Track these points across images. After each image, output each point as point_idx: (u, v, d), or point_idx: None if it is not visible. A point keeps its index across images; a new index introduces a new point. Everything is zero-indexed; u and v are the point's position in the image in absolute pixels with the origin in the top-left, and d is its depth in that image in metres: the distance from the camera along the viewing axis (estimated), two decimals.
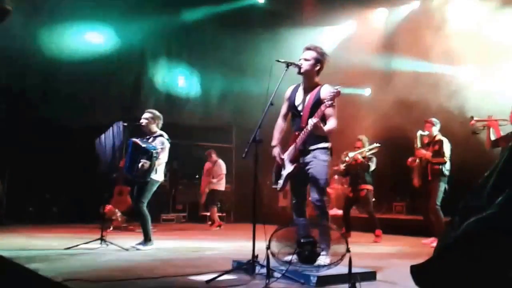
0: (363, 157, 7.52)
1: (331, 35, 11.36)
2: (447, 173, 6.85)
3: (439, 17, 9.57)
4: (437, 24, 9.47)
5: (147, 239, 5.83)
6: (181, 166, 11.96)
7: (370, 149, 7.60)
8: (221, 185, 9.99)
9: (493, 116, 6.20)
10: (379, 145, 7.63)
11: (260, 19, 11.32)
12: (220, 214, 11.52)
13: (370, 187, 7.57)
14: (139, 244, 5.80)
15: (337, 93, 4.03)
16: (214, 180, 9.88)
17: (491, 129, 6.06)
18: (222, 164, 10.04)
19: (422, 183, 7.02)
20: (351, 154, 7.60)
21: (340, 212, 9.67)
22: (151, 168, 5.79)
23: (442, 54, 9.12)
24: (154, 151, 5.83)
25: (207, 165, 10.20)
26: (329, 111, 4.14)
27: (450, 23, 9.31)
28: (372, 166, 7.58)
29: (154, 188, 5.97)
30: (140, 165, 5.75)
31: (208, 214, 10.47)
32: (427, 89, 9.26)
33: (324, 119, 4.18)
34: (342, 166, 7.87)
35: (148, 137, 6.12)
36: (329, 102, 4.00)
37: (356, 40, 11.15)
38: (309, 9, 11.22)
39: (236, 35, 10.91)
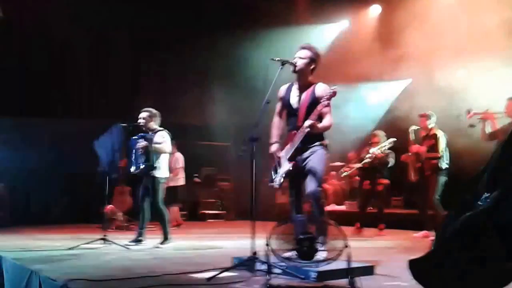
0: (382, 152, 7.53)
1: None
2: (445, 165, 6.89)
3: None
4: None
5: (166, 238, 6.02)
6: None
7: (389, 144, 7.55)
8: (178, 181, 9.27)
9: (490, 109, 6.24)
10: (395, 139, 7.60)
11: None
12: (220, 212, 11.57)
13: (387, 181, 7.62)
14: (160, 243, 5.98)
15: (334, 94, 4.10)
16: (170, 175, 8.77)
17: (486, 122, 6.10)
18: (179, 157, 9.32)
19: (419, 178, 7.07)
20: (372, 150, 7.53)
21: (337, 207, 9.74)
22: (152, 156, 5.92)
23: None
24: (149, 135, 5.99)
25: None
26: (325, 109, 4.19)
27: None
28: (392, 161, 7.60)
29: (162, 185, 6.13)
30: (139, 146, 5.92)
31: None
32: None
33: (320, 117, 4.24)
34: (358, 165, 7.85)
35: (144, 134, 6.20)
36: (326, 102, 4.06)
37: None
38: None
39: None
